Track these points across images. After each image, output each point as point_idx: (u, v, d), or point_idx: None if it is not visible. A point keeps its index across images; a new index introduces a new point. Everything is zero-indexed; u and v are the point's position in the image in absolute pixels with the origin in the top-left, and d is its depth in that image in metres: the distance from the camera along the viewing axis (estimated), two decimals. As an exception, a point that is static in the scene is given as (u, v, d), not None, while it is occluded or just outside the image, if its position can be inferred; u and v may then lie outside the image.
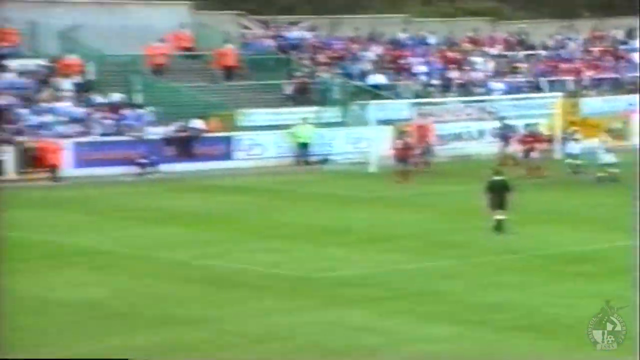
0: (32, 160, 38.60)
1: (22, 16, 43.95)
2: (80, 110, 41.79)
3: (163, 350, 16.36)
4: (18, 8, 44.52)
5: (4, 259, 18.54)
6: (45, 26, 43.93)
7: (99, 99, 42.73)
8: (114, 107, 42.30)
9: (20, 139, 39.21)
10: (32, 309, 19.22)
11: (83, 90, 43.03)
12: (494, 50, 52.94)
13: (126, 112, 42.14)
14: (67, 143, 39.47)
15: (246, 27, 50.54)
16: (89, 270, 22.67)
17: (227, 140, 42.12)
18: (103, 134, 40.97)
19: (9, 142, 38.91)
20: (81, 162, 39.48)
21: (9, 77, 42.40)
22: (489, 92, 49.00)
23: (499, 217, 25.65)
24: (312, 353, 16.27)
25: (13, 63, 42.94)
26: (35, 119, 40.57)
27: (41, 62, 43.39)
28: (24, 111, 40.83)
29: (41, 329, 17.89)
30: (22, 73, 42.76)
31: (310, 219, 29.19)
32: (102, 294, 20.29)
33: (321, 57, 48.62)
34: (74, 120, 41.23)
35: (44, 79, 42.96)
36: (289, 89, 46.15)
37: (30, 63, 43.21)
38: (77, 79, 43.43)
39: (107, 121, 41.54)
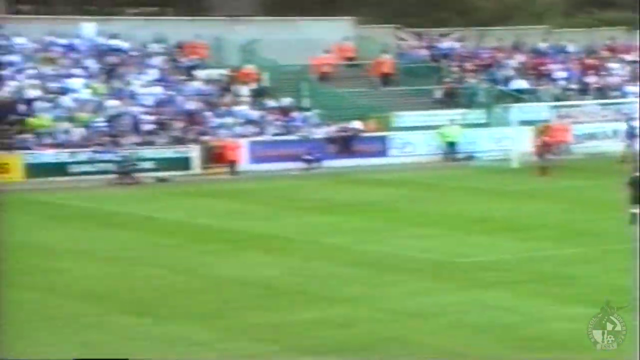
0: (214, 156, 39.50)
1: (210, 32, 45.09)
2: (255, 113, 42.55)
3: (326, 326, 16.58)
4: (207, 25, 45.73)
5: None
6: (229, 40, 44.90)
7: (271, 103, 43.42)
8: (284, 110, 42.94)
9: (204, 138, 40.20)
10: (214, 286, 19.74)
11: (258, 95, 43.79)
12: (630, 57, 51.58)
13: (295, 114, 42.72)
14: (244, 142, 40.25)
15: (402, 39, 50.55)
16: (263, 252, 23.01)
17: (383, 139, 42.27)
18: (275, 134, 41.66)
19: (195, 141, 39.95)
20: (256, 159, 40.19)
21: (197, 85, 43.48)
22: (624, 95, 47.83)
23: (635, 210, 24.93)
24: (459, 329, 16.28)
25: (201, 73, 44.03)
26: (217, 121, 41.51)
27: (224, 71, 44.35)
28: (208, 114, 41.82)
29: (221, 302, 18.35)
30: (207, 81, 43.79)
31: (456, 209, 29.05)
32: (274, 274, 20.63)
33: (469, 65, 48.27)
34: (250, 121, 42.01)
35: (225, 86, 43.90)
36: (438, 94, 46.02)
37: (215, 73, 44.22)
38: (254, 85, 44.22)
39: (278, 122, 42.22)
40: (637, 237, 21.29)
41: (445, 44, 49.94)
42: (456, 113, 43.91)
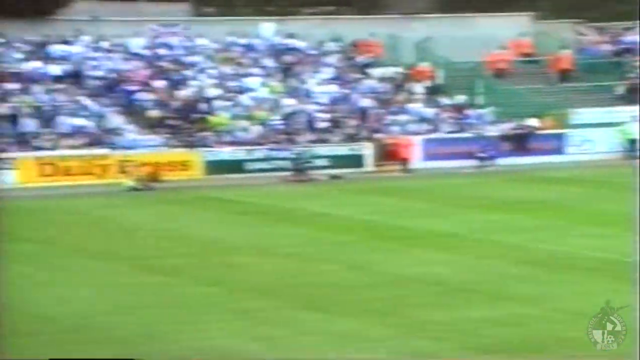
0: (387, 154, 39.70)
1: (385, 30, 45.33)
2: (429, 111, 42.53)
3: (499, 325, 16.43)
4: (382, 24, 46.01)
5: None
6: (404, 38, 45.03)
7: (445, 100, 43.29)
8: (458, 108, 42.75)
9: (378, 136, 40.45)
10: (387, 282, 19.80)
11: (432, 93, 43.75)
12: None
13: (469, 112, 42.47)
14: (417, 139, 40.28)
15: (582, 34, 49.47)
16: (436, 250, 22.97)
17: (560, 136, 41.53)
18: (448, 132, 41.52)
19: (369, 138, 40.25)
20: (429, 156, 40.14)
21: (371, 82, 43.78)
22: None
23: None
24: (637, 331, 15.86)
25: (375, 71, 44.34)
26: (391, 119, 41.69)
27: (398, 69, 44.51)
28: (382, 112, 42.05)
29: (393, 299, 18.41)
30: (381, 79, 44.04)
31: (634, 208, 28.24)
32: (447, 272, 20.57)
33: (655, 59, 46.81)
34: (424, 119, 42.02)
35: (399, 84, 44.05)
36: (620, 90, 44.79)
37: (389, 71, 44.45)
38: (428, 83, 44.20)
39: (452, 120, 42.06)
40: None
41: (629, 38, 48.51)
42: (638, 110, 42.64)
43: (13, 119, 37.92)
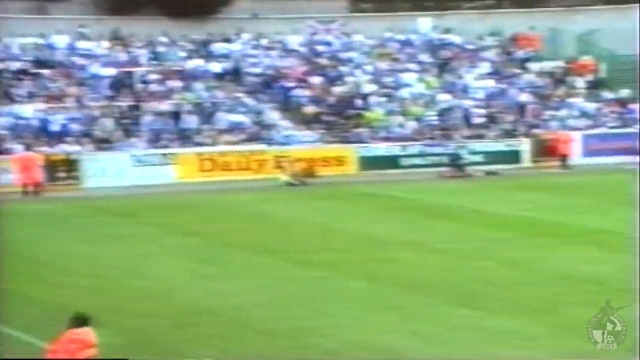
0: (546, 150, 39.14)
1: (546, 23, 44.65)
2: (590, 106, 41.71)
3: None
4: (543, 17, 45.29)
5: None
6: (565, 31, 44.24)
7: (608, 95, 42.37)
8: (621, 102, 41.76)
9: (536, 131, 39.92)
10: (543, 280, 19.58)
11: (594, 87, 42.88)
12: None
13: (633, 106, 41.42)
14: (577, 135, 39.55)
15: None
16: (594, 248, 22.59)
17: None
18: (610, 127, 40.61)
19: (526, 134, 39.76)
20: (589, 152, 39.37)
21: (529, 77, 43.22)
22: None
23: None
24: None
25: (534, 65, 43.75)
26: (549, 114, 41.07)
27: (558, 63, 43.80)
28: (540, 107, 41.47)
29: (550, 297, 18.18)
30: (540, 73, 43.44)
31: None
32: (605, 270, 20.18)
33: None
34: (585, 114, 41.22)
35: (560, 78, 43.34)
36: None
37: (549, 65, 43.79)
38: (590, 77, 43.35)
39: (614, 115, 41.13)
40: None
41: None
42: None
43: (175, 115, 39.09)
